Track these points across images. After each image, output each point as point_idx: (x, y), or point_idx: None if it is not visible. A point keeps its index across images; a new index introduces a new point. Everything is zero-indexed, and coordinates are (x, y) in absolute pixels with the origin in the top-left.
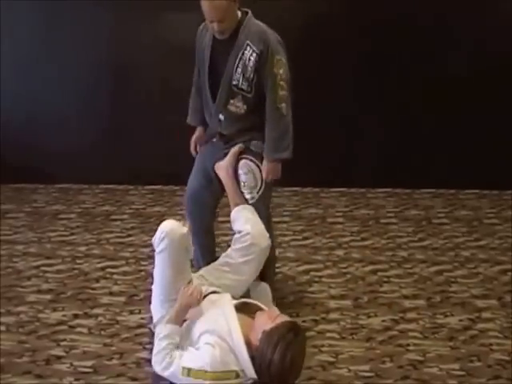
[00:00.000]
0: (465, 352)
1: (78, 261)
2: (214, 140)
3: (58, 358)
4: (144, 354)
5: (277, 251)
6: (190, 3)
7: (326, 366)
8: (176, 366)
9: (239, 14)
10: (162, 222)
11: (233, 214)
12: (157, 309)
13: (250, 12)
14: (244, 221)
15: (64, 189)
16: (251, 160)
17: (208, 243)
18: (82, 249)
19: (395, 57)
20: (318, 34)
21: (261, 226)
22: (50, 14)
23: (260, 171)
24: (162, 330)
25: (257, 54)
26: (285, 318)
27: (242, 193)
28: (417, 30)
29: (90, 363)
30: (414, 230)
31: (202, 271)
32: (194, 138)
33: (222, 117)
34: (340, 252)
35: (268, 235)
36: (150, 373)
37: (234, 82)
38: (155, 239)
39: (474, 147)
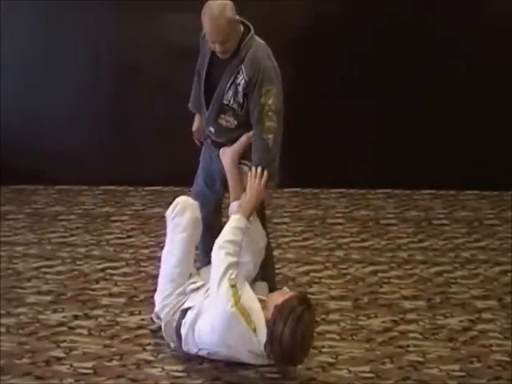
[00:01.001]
0: (465, 353)
1: (77, 262)
2: (208, 142)
3: (58, 359)
4: (144, 356)
5: (277, 252)
6: (190, 3)
7: (325, 367)
8: (234, 270)
9: (241, 28)
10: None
11: (231, 209)
12: (162, 288)
13: (252, 29)
14: None
15: (64, 190)
16: (245, 164)
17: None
18: (82, 250)
19: (395, 57)
20: (318, 34)
21: (259, 226)
22: (50, 15)
23: None
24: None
25: (245, 80)
26: (294, 295)
27: None
28: (416, 30)
29: (90, 364)
30: (414, 231)
31: (201, 270)
32: (194, 127)
33: (212, 129)
34: (340, 253)
35: (265, 234)
36: (150, 374)
37: (225, 102)
38: (169, 210)
39: (474, 148)
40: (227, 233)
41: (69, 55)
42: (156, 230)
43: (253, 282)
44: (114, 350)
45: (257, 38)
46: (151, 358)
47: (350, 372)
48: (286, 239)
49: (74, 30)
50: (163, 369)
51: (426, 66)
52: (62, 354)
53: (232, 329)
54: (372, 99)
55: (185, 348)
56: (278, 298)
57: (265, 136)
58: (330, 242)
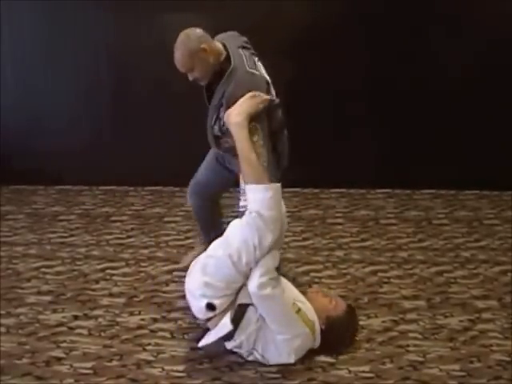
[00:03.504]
0: (465, 353)
1: (77, 262)
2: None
3: (58, 359)
4: (144, 356)
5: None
6: (190, 3)
7: (325, 367)
8: (289, 294)
9: (222, 51)
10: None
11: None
12: None
13: (232, 62)
14: None
15: (64, 190)
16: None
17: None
18: (82, 250)
19: (395, 57)
20: (318, 34)
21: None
22: (50, 14)
23: None
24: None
25: (223, 119)
26: (341, 302)
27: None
28: (416, 30)
29: (89, 365)
30: (414, 231)
31: None
32: None
33: (220, 152)
34: (340, 253)
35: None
36: (150, 374)
37: (216, 134)
38: None
39: (474, 148)
40: (266, 261)
41: (69, 55)
42: (156, 230)
43: None
44: (113, 350)
45: (238, 67)
46: (151, 358)
47: (350, 372)
48: (286, 239)
49: (74, 30)
50: (163, 369)
51: (426, 66)
52: (62, 355)
53: (304, 343)
54: (372, 99)
55: (232, 345)
56: (328, 306)
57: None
58: (329, 241)
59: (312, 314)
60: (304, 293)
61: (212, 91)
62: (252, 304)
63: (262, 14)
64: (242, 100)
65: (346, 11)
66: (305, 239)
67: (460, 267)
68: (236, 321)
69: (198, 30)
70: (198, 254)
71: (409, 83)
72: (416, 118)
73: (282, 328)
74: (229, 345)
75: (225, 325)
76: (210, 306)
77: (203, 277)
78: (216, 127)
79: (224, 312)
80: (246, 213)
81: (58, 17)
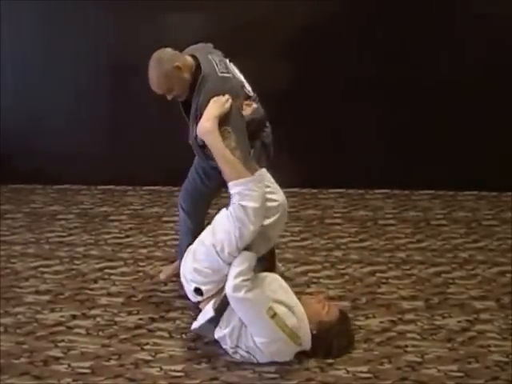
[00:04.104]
0: (463, 353)
1: (76, 262)
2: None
3: (56, 358)
4: (142, 355)
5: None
6: (190, 3)
7: (324, 367)
8: (264, 298)
9: (192, 64)
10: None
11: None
12: None
13: (202, 69)
14: None
15: (62, 190)
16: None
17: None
18: (80, 250)
19: (395, 56)
20: (319, 34)
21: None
22: (50, 14)
23: None
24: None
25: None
26: (334, 308)
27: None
28: (416, 30)
29: (87, 364)
30: (413, 232)
31: None
32: None
33: (210, 162)
34: (338, 253)
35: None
36: (148, 374)
37: (200, 143)
38: None
39: (473, 148)
40: (242, 261)
41: (69, 55)
42: (154, 230)
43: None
44: (112, 349)
45: (209, 74)
46: (149, 358)
47: (348, 372)
48: (285, 239)
49: (74, 30)
50: (161, 368)
51: (426, 66)
52: (60, 354)
53: (283, 348)
54: (371, 100)
55: (218, 335)
56: (321, 311)
57: None
58: (328, 242)
59: (294, 321)
60: (299, 296)
61: (188, 103)
62: None
63: (262, 13)
64: (207, 108)
65: (345, 11)
66: (303, 239)
67: (458, 268)
68: (219, 310)
69: (168, 49)
70: (178, 267)
71: (408, 83)
72: (415, 118)
73: (257, 331)
74: (216, 333)
75: (208, 311)
76: (198, 291)
77: (193, 263)
78: (199, 137)
79: (212, 297)
80: (231, 204)
81: (58, 17)
